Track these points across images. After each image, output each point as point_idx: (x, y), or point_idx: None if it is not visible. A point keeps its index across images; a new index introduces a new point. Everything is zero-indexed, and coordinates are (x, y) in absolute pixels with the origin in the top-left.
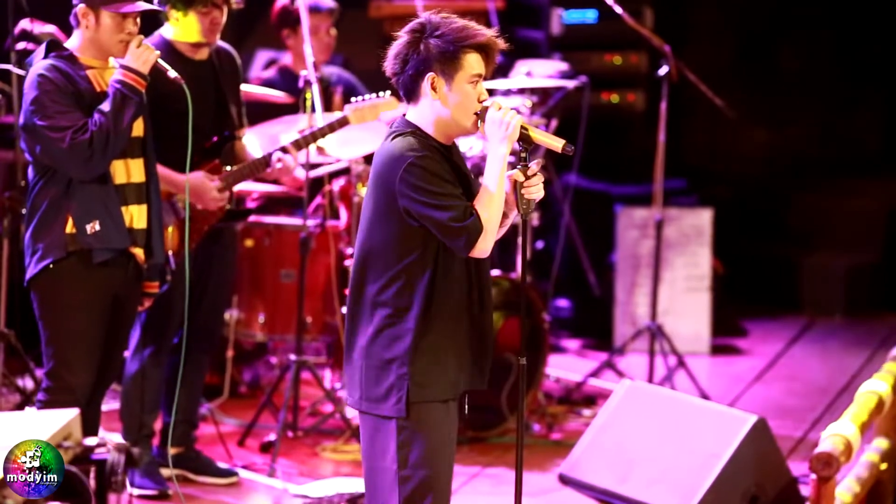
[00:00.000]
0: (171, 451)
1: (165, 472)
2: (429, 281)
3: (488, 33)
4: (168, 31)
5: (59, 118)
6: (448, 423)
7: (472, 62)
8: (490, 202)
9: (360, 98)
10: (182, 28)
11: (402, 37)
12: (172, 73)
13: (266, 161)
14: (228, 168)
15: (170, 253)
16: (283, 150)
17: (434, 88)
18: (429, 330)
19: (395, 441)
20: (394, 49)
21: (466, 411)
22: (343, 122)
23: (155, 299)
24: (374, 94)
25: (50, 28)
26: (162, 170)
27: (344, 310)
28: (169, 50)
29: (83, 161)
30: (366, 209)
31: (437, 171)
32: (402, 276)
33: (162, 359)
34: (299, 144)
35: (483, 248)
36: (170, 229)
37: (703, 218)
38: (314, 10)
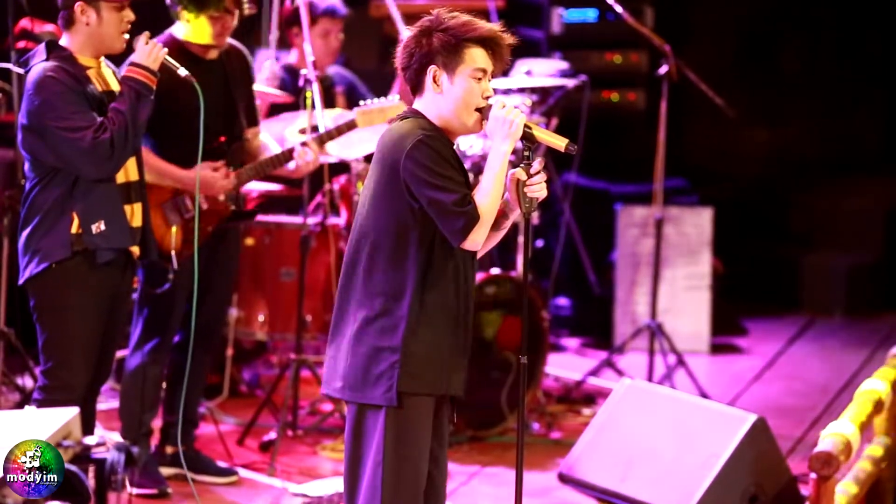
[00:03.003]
0: (170, 450)
1: (165, 471)
2: (422, 272)
3: (490, 27)
4: (178, 29)
5: (76, 118)
6: (429, 417)
7: (476, 56)
8: (487, 196)
9: (368, 101)
10: (193, 29)
11: (412, 31)
12: (183, 72)
13: (288, 155)
14: (232, 169)
15: (173, 252)
16: (304, 144)
17: (436, 82)
18: (421, 322)
19: (382, 429)
20: (403, 43)
21: (455, 419)
22: (351, 126)
23: (157, 298)
24: (382, 98)
25: (50, 27)
26: (166, 166)
27: None
28: (179, 49)
29: (104, 160)
30: (366, 193)
31: (444, 153)
32: (397, 264)
33: (162, 357)
34: (322, 139)
35: (476, 239)
36: (173, 229)
37: (703, 217)
38: (330, 14)
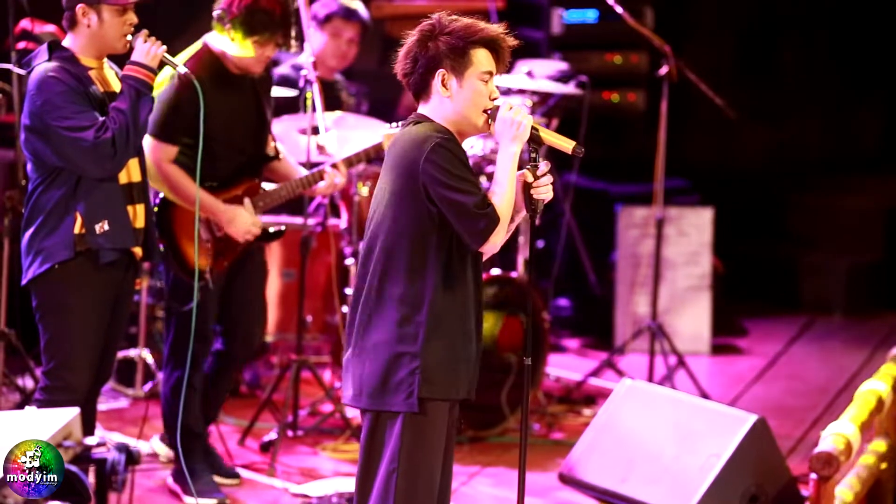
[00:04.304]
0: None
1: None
2: (440, 277)
3: (496, 29)
4: (216, 41)
5: (78, 118)
6: (445, 423)
7: (482, 58)
8: (502, 198)
9: (395, 124)
10: (233, 46)
11: (413, 36)
12: (182, 69)
13: (318, 177)
14: (264, 188)
15: (207, 271)
16: (334, 166)
17: (444, 85)
18: (440, 328)
19: (398, 436)
20: (404, 49)
21: (462, 427)
22: (378, 149)
23: (183, 314)
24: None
25: (50, 28)
26: (205, 196)
27: (345, 309)
28: (212, 62)
29: (106, 159)
30: (379, 200)
31: (461, 157)
32: (415, 270)
33: (203, 370)
34: (350, 161)
35: (495, 241)
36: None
37: (703, 217)
38: (343, 15)
